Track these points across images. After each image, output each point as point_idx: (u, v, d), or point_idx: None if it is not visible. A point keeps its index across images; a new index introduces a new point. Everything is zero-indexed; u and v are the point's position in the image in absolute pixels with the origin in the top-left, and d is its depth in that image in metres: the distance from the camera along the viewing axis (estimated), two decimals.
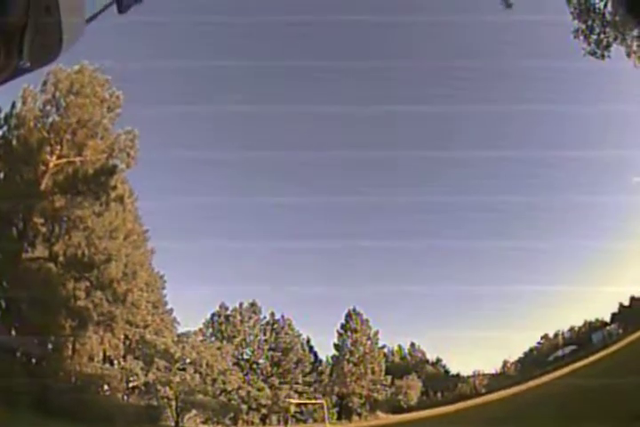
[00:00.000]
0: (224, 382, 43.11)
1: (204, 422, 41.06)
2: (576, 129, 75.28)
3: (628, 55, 16.23)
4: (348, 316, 63.15)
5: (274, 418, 49.75)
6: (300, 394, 52.32)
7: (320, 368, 59.17)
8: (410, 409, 56.90)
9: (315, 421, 50.05)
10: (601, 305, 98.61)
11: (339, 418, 53.40)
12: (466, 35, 75.40)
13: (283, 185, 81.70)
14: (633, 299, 73.64)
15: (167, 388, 35.96)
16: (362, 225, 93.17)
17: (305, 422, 50.43)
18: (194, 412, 40.36)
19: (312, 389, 54.59)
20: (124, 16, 1.55)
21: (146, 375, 34.58)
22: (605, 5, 15.75)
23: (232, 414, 44.10)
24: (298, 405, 51.29)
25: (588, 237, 74.26)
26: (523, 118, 75.49)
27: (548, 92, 68.30)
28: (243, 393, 46.16)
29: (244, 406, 45.62)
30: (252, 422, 46.57)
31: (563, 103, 64.14)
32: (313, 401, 51.26)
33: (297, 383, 53.93)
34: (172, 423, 37.59)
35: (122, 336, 33.35)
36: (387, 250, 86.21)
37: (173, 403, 37.51)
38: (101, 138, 30.33)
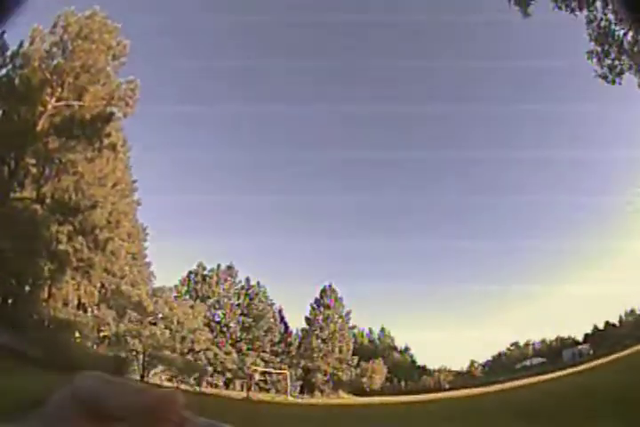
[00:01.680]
0: (193, 342, 43.50)
1: (169, 380, 41.52)
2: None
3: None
4: (323, 291, 63.77)
5: (237, 383, 50.40)
6: (267, 363, 52.89)
7: (289, 340, 59.80)
8: (372, 393, 57.55)
9: (277, 391, 50.68)
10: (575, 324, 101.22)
11: (301, 392, 54.01)
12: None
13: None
14: (607, 323, 75.44)
15: (136, 341, 36.29)
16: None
17: (268, 391, 51.09)
18: (160, 368, 40.78)
19: (279, 359, 55.12)
20: None
21: (117, 326, 34.94)
22: (625, 34, 15.94)
23: (197, 375, 44.60)
24: (262, 373, 51.95)
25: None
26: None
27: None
28: (210, 355, 46.66)
29: (210, 368, 46.16)
30: (216, 385, 47.16)
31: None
32: (278, 371, 51.88)
33: (264, 352, 54.50)
34: (138, 377, 37.92)
35: (98, 284, 33.63)
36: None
37: (141, 357, 37.90)
38: (103, 85, 30.30)
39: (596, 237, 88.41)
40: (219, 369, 47.22)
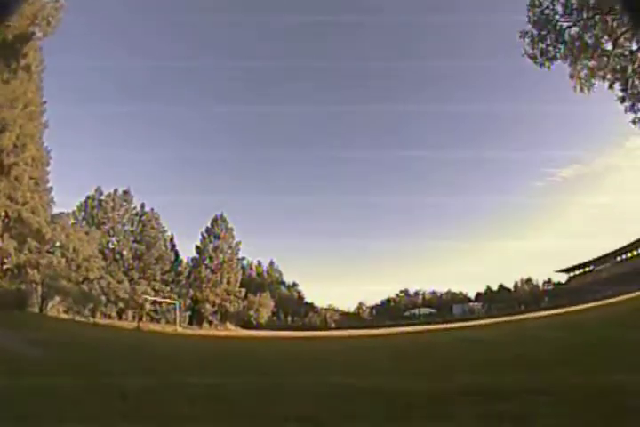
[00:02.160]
0: (87, 270, 41.72)
1: (65, 312, 39.98)
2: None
3: (571, 77, 17.13)
4: (215, 221, 63.70)
5: (130, 313, 49.75)
6: (157, 292, 52.12)
7: (179, 269, 59.30)
8: (259, 326, 59.51)
9: (167, 322, 50.72)
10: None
11: (190, 323, 54.44)
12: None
13: None
14: (501, 287, 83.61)
15: (35, 271, 34.14)
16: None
17: (158, 321, 51.09)
18: (57, 299, 39.00)
19: (169, 288, 54.57)
20: None
21: (18, 257, 32.38)
22: (571, 27, 16.40)
23: (91, 306, 43.31)
24: (153, 303, 51.55)
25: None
26: None
27: None
28: (103, 283, 45.10)
29: (104, 298, 44.90)
30: (110, 316, 46.23)
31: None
32: (168, 300, 51.63)
33: (155, 280, 53.58)
34: (37, 310, 36.14)
35: (2, 213, 30.61)
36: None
37: (39, 289, 35.88)
38: (30, 4, 26.07)
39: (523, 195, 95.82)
40: (111, 299, 46.00)
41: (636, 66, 15.96)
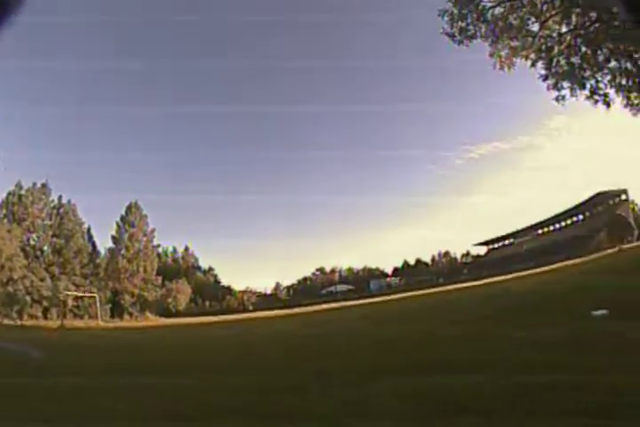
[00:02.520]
0: (10, 270, 39.73)
1: None
2: None
3: (491, 55, 17.10)
4: (129, 208, 62.34)
5: (54, 312, 47.58)
6: (78, 287, 51.74)
7: (98, 261, 58.22)
8: (178, 314, 59.76)
9: (90, 317, 49.43)
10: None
11: (112, 315, 53.53)
12: None
13: None
14: (419, 261, 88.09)
15: None
16: None
17: (81, 317, 49.36)
18: None
19: (88, 281, 53.88)
20: None
21: None
22: (494, 7, 16.32)
23: (18, 307, 40.97)
24: (75, 299, 49.69)
25: None
26: None
27: None
28: (27, 283, 43.27)
29: (28, 298, 42.69)
30: (35, 317, 43.94)
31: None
32: (88, 294, 50.10)
33: (75, 275, 53.04)
34: None
35: None
36: None
37: None
38: None
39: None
40: (36, 298, 44.12)
41: (562, 47, 16.20)
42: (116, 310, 55.34)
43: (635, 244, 51.53)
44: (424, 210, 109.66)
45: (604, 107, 15.65)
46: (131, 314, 55.84)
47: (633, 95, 16.04)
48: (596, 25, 14.97)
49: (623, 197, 67.96)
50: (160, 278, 62.02)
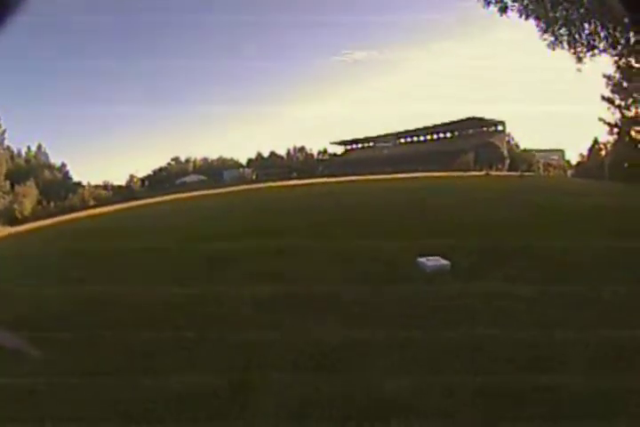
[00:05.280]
0: None
1: None
2: None
3: None
4: None
5: None
6: None
7: None
8: (23, 220, 54.56)
9: None
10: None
11: None
12: None
13: None
14: (273, 154, 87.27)
15: None
16: None
17: None
18: None
19: None
20: None
21: None
22: None
23: None
24: None
25: None
26: None
27: None
28: None
29: None
30: None
31: None
32: None
33: None
34: None
35: None
36: None
37: None
38: None
39: None
40: None
41: None
42: None
43: (503, 173, 50.88)
44: (282, 100, 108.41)
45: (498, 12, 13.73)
46: None
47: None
48: None
49: (500, 128, 66.78)
50: (8, 184, 59.92)
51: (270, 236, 10.88)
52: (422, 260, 7.10)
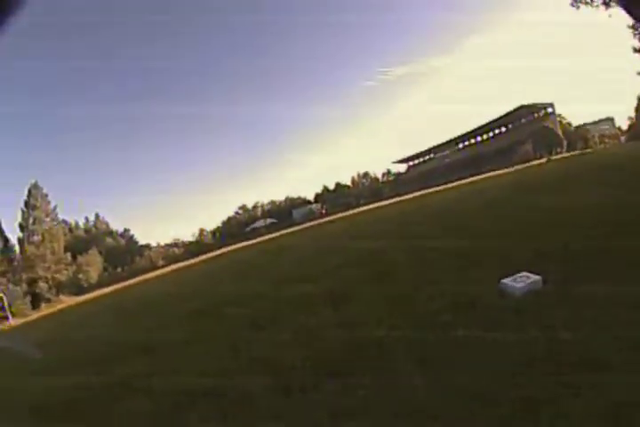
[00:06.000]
0: None
1: None
2: None
3: None
4: (29, 192, 62.02)
5: None
6: None
7: (11, 255, 59.21)
8: (90, 289, 60.80)
9: (14, 315, 51.17)
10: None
11: (33, 307, 54.88)
12: None
13: None
14: (339, 184, 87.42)
15: None
16: None
17: (6, 319, 51.23)
18: None
19: (6, 279, 54.99)
20: None
21: None
22: None
23: None
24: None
25: None
26: None
27: None
28: None
29: None
30: None
31: None
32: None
33: None
34: None
35: None
36: None
37: None
38: None
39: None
40: None
41: None
42: (35, 300, 55.70)
43: (563, 155, 50.87)
44: (339, 133, 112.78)
45: None
46: (48, 300, 57.10)
47: None
48: None
49: (550, 110, 66.50)
50: (69, 255, 62.38)
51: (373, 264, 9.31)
52: (507, 281, 5.04)
